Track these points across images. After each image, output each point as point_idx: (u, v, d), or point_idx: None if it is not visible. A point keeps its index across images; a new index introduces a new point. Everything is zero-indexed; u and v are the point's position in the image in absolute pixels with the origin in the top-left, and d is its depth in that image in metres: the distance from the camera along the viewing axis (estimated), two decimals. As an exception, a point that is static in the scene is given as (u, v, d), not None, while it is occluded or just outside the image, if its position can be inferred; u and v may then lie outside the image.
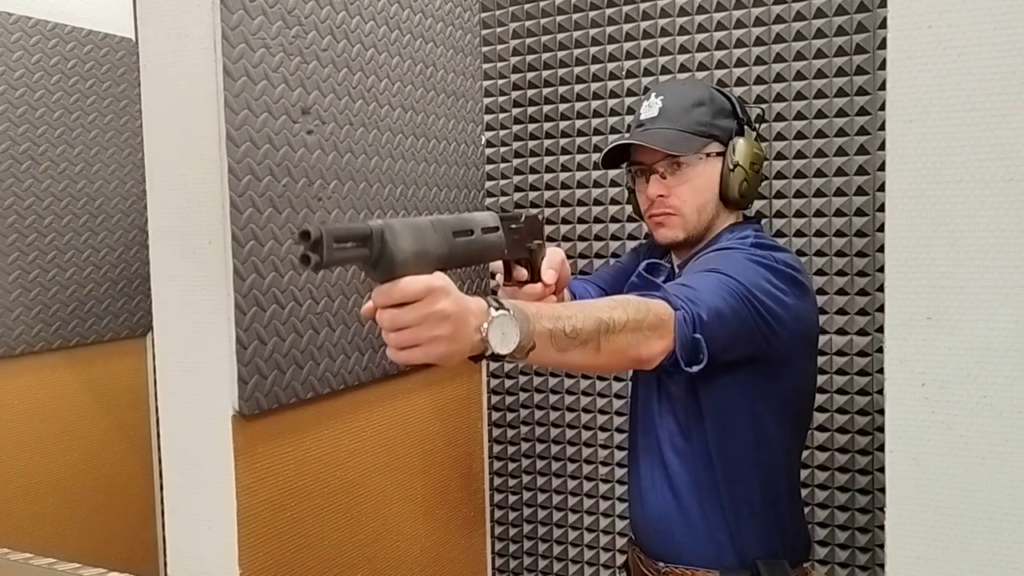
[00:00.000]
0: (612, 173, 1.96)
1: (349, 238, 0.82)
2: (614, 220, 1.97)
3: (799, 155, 1.77)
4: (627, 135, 1.35)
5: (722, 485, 1.28)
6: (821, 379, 1.77)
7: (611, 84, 1.95)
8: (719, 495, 1.28)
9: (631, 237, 1.94)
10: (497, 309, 0.91)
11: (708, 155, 1.31)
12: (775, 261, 1.23)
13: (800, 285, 1.25)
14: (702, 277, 1.17)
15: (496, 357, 0.92)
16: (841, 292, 1.74)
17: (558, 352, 0.98)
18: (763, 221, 1.81)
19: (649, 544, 1.37)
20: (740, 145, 1.31)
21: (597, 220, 2.00)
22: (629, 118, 1.90)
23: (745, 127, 1.34)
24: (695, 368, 1.08)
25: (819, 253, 1.76)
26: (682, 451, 1.31)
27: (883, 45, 1.61)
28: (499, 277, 1.27)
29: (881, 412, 1.65)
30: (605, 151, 1.35)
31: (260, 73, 1.21)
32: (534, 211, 2.05)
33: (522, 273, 1.25)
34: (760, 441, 1.28)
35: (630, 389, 1.47)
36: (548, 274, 1.26)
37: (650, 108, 1.34)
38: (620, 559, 2.01)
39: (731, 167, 1.30)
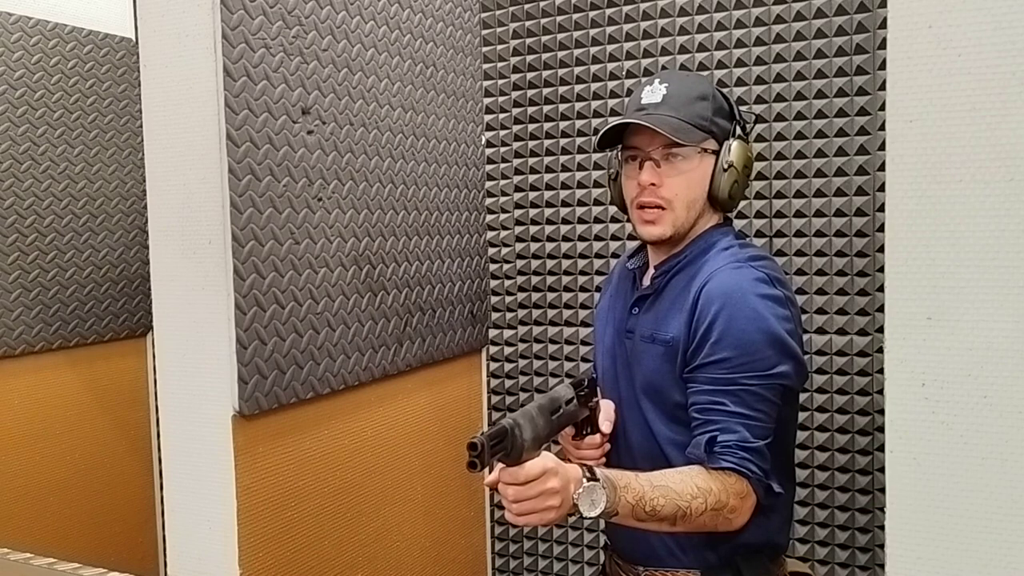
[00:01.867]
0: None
1: (495, 438, 1.03)
2: (614, 220, 1.97)
3: (799, 155, 1.77)
4: (627, 116, 1.31)
5: None
6: (821, 379, 1.77)
7: (611, 84, 1.95)
8: None
9: (631, 237, 1.94)
10: (589, 480, 1.08)
11: (704, 151, 1.29)
12: (772, 285, 1.23)
13: (791, 300, 1.27)
14: (742, 394, 1.20)
15: (585, 517, 1.09)
16: (841, 292, 1.74)
17: (636, 521, 1.14)
18: (763, 221, 1.82)
19: (627, 549, 1.37)
20: (735, 147, 1.29)
21: (597, 220, 2.00)
22: (629, 118, 1.89)
23: (740, 131, 1.33)
24: (772, 500, 1.22)
25: (819, 253, 1.76)
26: (661, 459, 1.29)
27: (883, 45, 1.61)
28: (566, 436, 1.35)
29: (881, 412, 1.65)
30: (604, 130, 1.31)
31: (260, 73, 1.21)
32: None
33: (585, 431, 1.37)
34: None
35: (601, 393, 1.44)
36: (605, 425, 1.35)
37: (653, 93, 1.30)
38: (620, 559, 2.01)
39: (724, 167, 1.28)
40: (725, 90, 1.81)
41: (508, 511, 1.08)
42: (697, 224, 1.32)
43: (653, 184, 1.28)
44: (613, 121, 1.31)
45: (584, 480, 1.08)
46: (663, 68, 1.88)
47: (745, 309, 1.21)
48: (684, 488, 1.15)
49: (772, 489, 1.21)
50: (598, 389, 1.38)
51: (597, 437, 1.35)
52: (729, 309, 1.21)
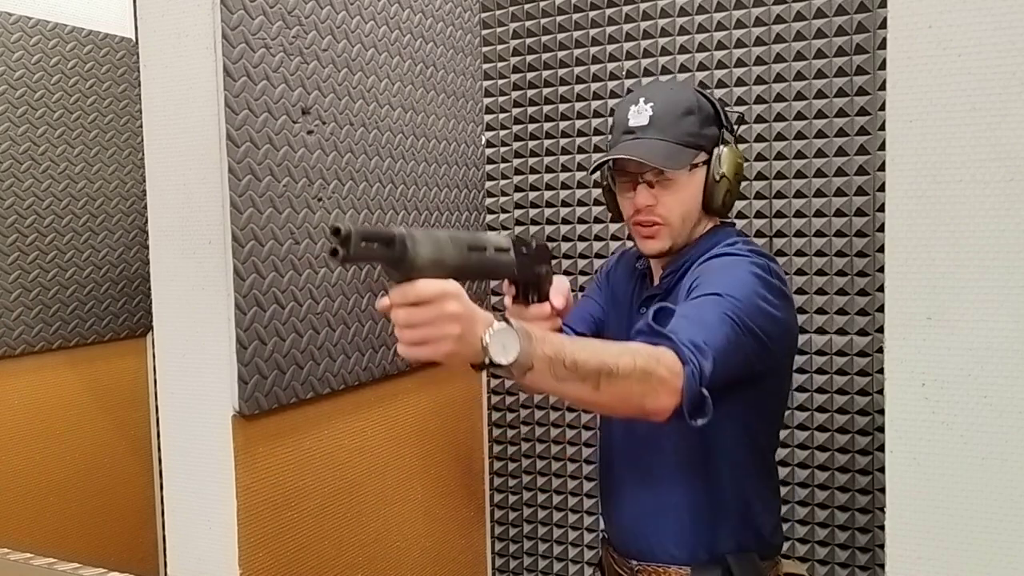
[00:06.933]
0: (612, 173, 1.96)
1: (375, 238, 0.90)
2: (614, 220, 1.97)
3: (799, 155, 1.77)
4: (618, 144, 1.33)
5: (698, 486, 1.29)
6: (821, 379, 1.77)
7: (611, 84, 1.95)
8: (696, 495, 1.29)
9: (631, 237, 1.94)
10: (501, 322, 0.97)
11: (696, 166, 1.30)
12: (769, 273, 1.24)
13: (786, 297, 1.27)
14: (709, 308, 1.15)
15: (495, 366, 0.96)
16: (841, 292, 1.74)
17: (555, 380, 1.01)
18: (763, 221, 1.82)
19: (622, 543, 1.38)
20: (725, 155, 1.30)
21: (597, 220, 2.00)
22: (629, 118, 1.89)
23: (727, 132, 1.34)
24: (700, 421, 1.08)
25: (819, 253, 1.76)
26: (657, 454, 1.32)
27: (883, 45, 1.61)
28: (507, 299, 1.30)
29: (881, 412, 1.65)
30: (596, 164, 1.35)
31: (260, 73, 1.21)
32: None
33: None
34: (737, 443, 1.29)
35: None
36: (557, 299, 1.29)
37: (639, 115, 1.31)
38: (620, 559, 2.01)
39: (716, 178, 1.30)
40: (724, 91, 1.82)
41: (399, 341, 0.95)
42: (696, 229, 1.35)
43: (650, 205, 1.31)
44: (604, 156, 1.34)
45: (496, 322, 0.96)
46: (663, 68, 1.88)
47: (732, 272, 1.21)
48: (612, 346, 1.06)
49: (704, 398, 1.07)
50: (551, 260, 1.31)
51: (546, 307, 1.28)
52: (716, 269, 1.22)
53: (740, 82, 1.81)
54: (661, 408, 1.06)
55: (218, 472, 1.20)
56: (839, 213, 1.74)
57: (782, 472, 1.81)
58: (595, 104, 1.97)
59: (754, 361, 1.18)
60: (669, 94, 1.35)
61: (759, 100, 1.79)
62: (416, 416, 1.59)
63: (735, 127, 1.39)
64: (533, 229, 2.07)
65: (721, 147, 1.31)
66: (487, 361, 0.96)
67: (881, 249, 1.66)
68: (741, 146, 1.80)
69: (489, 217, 2.05)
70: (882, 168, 1.64)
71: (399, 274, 0.93)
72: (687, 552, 1.29)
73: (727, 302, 1.15)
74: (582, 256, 2.02)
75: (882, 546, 1.35)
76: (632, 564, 1.35)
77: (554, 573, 2.12)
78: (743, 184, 1.81)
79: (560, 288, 1.31)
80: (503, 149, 2.07)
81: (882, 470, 1.34)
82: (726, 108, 1.41)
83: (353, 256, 0.88)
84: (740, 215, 1.83)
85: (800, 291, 1.77)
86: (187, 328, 1.21)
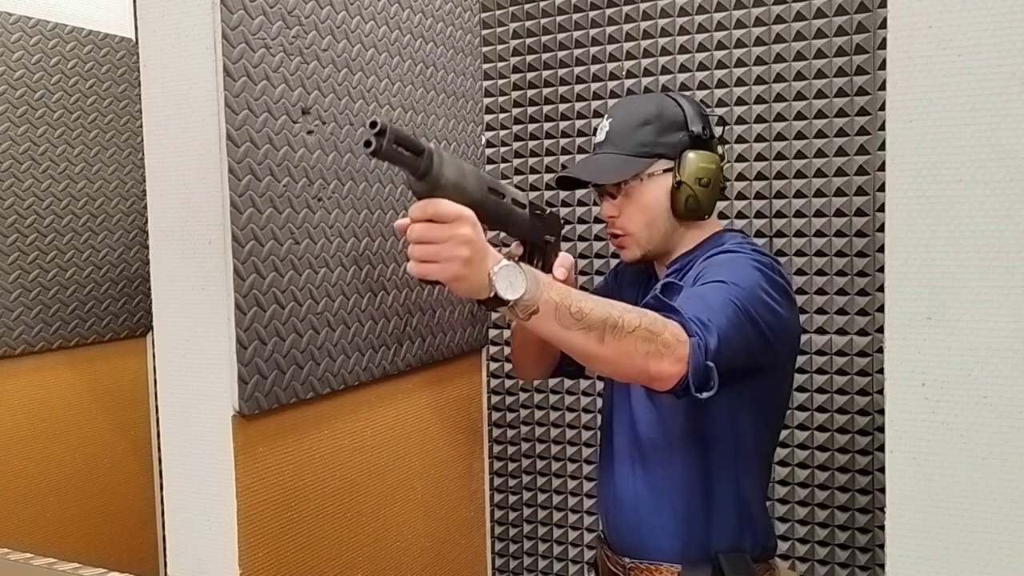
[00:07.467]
0: (612, 173, 1.96)
1: (407, 145, 0.92)
2: (614, 220, 1.97)
3: (799, 155, 1.77)
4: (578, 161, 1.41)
5: (695, 483, 1.30)
6: (821, 379, 1.77)
7: (611, 84, 1.95)
8: (691, 493, 1.30)
9: (631, 237, 1.94)
10: (511, 261, 1.00)
11: (652, 174, 1.33)
12: (773, 271, 1.25)
13: (789, 296, 1.28)
14: (715, 292, 1.17)
15: (501, 302, 0.99)
16: (841, 292, 1.74)
17: (560, 327, 1.02)
18: (763, 221, 1.82)
19: (617, 540, 1.39)
20: (688, 161, 1.31)
21: (597, 220, 2.00)
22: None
23: (699, 138, 1.34)
24: (705, 394, 1.09)
25: (819, 253, 1.76)
26: (657, 449, 1.33)
27: (883, 45, 1.61)
28: (514, 251, 1.31)
29: (881, 412, 1.65)
30: (556, 178, 1.41)
31: (260, 73, 1.21)
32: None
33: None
34: (737, 442, 1.30)
35: (604, 384, 1.48)
36: (559, 271, 1.31)
37: (600, 132, 1.38)
38: (620, 559, 2.01)
39: (675, 184, 1.32)
40: (724, 91, 1.82)
41: (410, 256, 0.98)
42: (676, 237, 1.36)
43: (612, 216, 1.37)
44: (557, 175, 1.44)
45: (506, 259, 1.00)
46: (663, 68, 1.88)
47: (735, 265, 1.23)
48: (617, 303, 1.07)
49: (709, 370, 1.08)
50: (560, 233, 1.35)
51: (548, 277, 1.29)
52: (720, 263, 1.25)
53: (740, 82, 1.81)
54: (665, 373, 1.06)
55: (218, 472, 1.19)
56: (839, 213, 1.74)
57: (782, 472, 1.82)
58: (595, 104, 1.97)
59: (756, 352, 1.19)
60: (629, 108, 1.38)
61: (759, 100, 1.79)
62: (416, 416, 1.59)
63: (713, 130, 1.37)
64: (533, 229, 2.07)
65: (687, 153, 1.32)
66: (492, 295, 0.98)
67: (881, 249, 1.66)
68: (741, 146, 1.81)
69: (489, 217, 2.05)
70: (882, 168, 1.65)
71: (421, 187, 0.96)
72: (679, 550, 1.30)
73: (731, 288, 1.17)
74: (582, 256, 2.02)
75: (882, 546, 1.35)
76: (625, 562, 1.36)
77: (554, 573, 2.12)
78: (743, 184, 1.81)
79: (564, 262, 1.33)
80: (503, 149, 2.07)
81: (882, 470, 1.34)
82: (709, 110, 1.42)
83: (384, 152, 0.90)
84: (740, 215, 1.83)
85: (800, 291, 1.77)
86: (187, 328, 1.21)
